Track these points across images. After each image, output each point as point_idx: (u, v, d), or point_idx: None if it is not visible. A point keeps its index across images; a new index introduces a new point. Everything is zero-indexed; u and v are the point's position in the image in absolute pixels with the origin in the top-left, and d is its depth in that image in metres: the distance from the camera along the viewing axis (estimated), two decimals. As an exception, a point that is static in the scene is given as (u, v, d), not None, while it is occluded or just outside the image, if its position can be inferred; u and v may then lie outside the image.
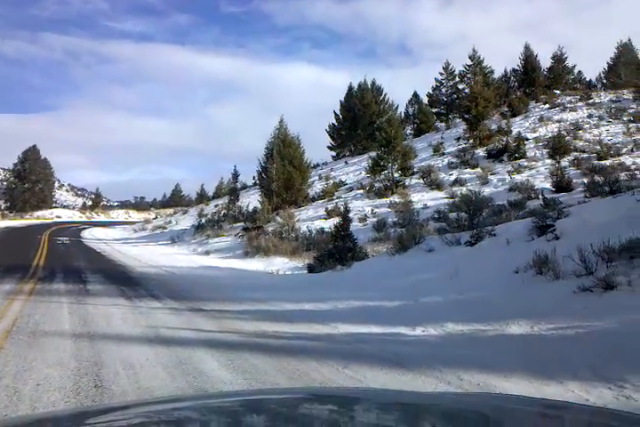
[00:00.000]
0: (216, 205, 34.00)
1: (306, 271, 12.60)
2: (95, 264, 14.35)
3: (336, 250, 12.59)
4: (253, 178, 33.66)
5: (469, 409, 1.63)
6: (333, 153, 46.21)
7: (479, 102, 26.24)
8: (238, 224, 23.76)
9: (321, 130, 46.48)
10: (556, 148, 20.71)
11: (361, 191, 23.74)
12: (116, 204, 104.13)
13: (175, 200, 68.28)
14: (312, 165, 32.77)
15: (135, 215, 62.93)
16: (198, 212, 30.59)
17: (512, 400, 1.97)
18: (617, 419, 1.58)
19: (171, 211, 46.70)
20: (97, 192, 79.38)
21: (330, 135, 45.95)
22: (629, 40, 39.66)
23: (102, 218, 60.67)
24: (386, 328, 6.07)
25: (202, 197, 46.83)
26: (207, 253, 18.88)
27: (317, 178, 31.38)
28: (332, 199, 23.78)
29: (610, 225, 7.57)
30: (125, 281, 10.73)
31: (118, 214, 65.84)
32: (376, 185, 22.89)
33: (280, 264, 14.44)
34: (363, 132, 41.23)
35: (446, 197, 20.48)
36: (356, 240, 13.28)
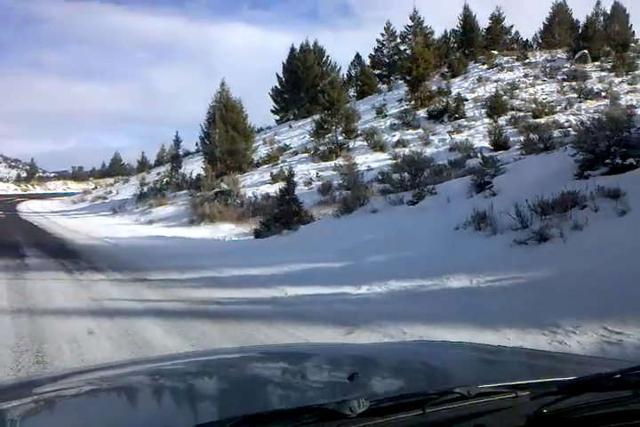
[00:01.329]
0: (158, 173, 33.11)
1: (252, 237, 12.56)
2: (33, 238, 13.82)
3: (282, 214, 12.58)
4: (196, 144, 32.89)
5: (419, 359, 1.67)
6: (277, 117, 45.58)
7: (420, 64, 26.29)
8: (182, 192, 23.31)
9: (264, 94, 45.61)
10: (494, 107, 21.14)
11: (306, 155, 23.63)
12: (53, 175, 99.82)
13: (115, 169, 66.04)
14: (256, 129, 32.26)
15: (74, 186, 60.73)
16: (140, 180, 29.74)
17: (459, 346, 2.04)
18: (561, 360, 1.66)
19: (111, 180, 45.24)
20: (32, 163, 75.89)
21: (273, 99, 45.15)
22: (564, 0, 40.40)
23: (39, 190, 58.24)
24: (332, 289, 6.16)
25: (143, 166, 45.40)
26: (151, 222, 18.50)
27: (262, 142, 30.96)
28: (277, 164, 23.59)
29: (544, 180, 7.86)
30: (65, 254, 10.40)
31: (56, 186, 63.38)
32: (320, 148, 22.82)
33: (227, 231, 14.33)
34: (306, 95, 40.68)
35: (389, 159, 20.69)
36: (302, 204, 13.29)
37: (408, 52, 39.53)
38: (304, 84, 41.46)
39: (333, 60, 44.83)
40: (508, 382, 1.02)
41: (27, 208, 30.04)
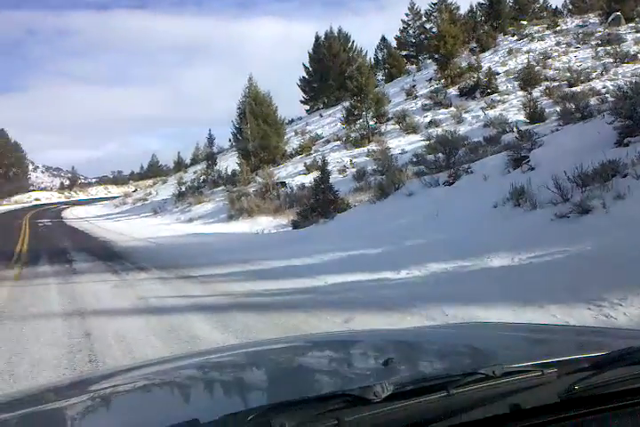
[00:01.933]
0: (194, 172, 33.64)
1: (291, 228, 12.64)
2: (79, 243, 14.26)
3: (318, 204, 12.60)
4: (229, 140, 33.19)
5: (457, 341, 1.65)
6: (307, 107, 45.52)
7: (447, 41, 25.74)
8: (219, 188, 23.60)
9: (293, 85, 45.59)
10: (527, 79, 20.54)
11: (338, 143, 23.55)
12: (94, 180, 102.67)
13: (153, 171, 67.36)
14: (286, 121, 32.32)
15: (115, 190, 62.29)
16: (177, 180, 30.27)
17: (498, 327, 2.00)
18: (599, 334, 1.62)
19: (150, 182, 46.19)
20: (72, 171, 78.21)
21: (302, 89, 45.08)
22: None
23: (82, 196, 60.00)
24: (372, 275, 6.15)
25: (179, 165, 46.18)
26: (191, 220, 18.83)
27: (293, 134, 31.01)
28: (310, 154, 23.60)
29: (583, 150, 7.61)
30: (111, 256, 10.70)
31: (97, 191, 65.15)
32: (352, 135, 22.69)
33: (265, 224, 14.46)
34: (334, 83, 40.45)
35: (423, 140, 20.42)
36: (338, 192, 13.28)
37: (434, 30, 38.89)
38: (332, 72, 41.25)
39: (359, 46, 44.41)
40: (544, 360, 1.00)
41: (71, 214, 31.01)
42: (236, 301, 5.78)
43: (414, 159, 17.79)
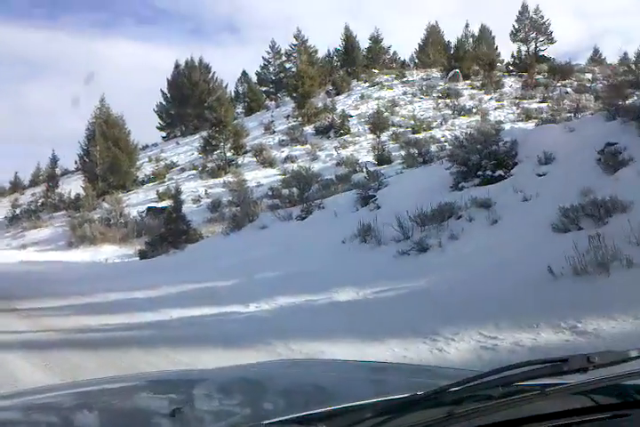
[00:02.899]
0: (33, 194, 30.82)
1: (137, 258, 11.99)
2: None
3: (169, 233, 12.16)
4: (75, 162, 31.03)
5: (294, 380, 1.62)
6: (164, 133, 44.29)
7: (305, 81, 26.84)
8: (59, 213, 21.82)
9: (150, 110, 44.18)
10: (377, 123, 21.98)
11: (194, 172, 23.12)
12: None
13: (-17, 191, 60.52)
14: (140, 146, 31.13)
15: None
16: (12, 202, 27.47)
17: (337, 364, 2.00)
18: (432, 375, 1.66)
19: (-22, 203, 41.37)
20: None
21: (158, 115, 43.87)
22: (436, 22, 43.29)
23: None
24: (220, 308, 5.98)
25: (16, 187, 42.12)
26: (24, 246, 17.10)
27: (147, 160, 29.87)
28: (164, 182, 22.85)
29: (424, 192, 8.24)
30: None
31: None
32: (209, 165, 22.44)
33: (109, 253, 13.58)
34: (193, 112, 39.98)
35: (279, 174, 20.83)
36: (190, 222, 12.95)
37: (293, 69, 40.39)
38: (191, 101, 40.71)
39: (220, 77, 44.50)
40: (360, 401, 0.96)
41: None
42: (67, 337, 5.26)
43: (270, 193, 18.11)
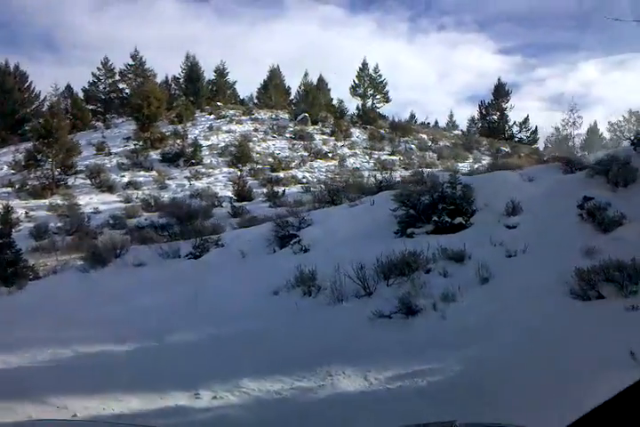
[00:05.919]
0: None
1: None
2: None
3: (-8, 266, 9.16)
4: None
5: None
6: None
7: (152, 102, 24.46)
8: None
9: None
10: (239, 157, 20.59)
11: (8, 190, 19.08)
12: None
13: None
14: None
15: None
16: None
17: None
18: None
19: None
20: None
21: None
22: (278, 66, 43.54)
23: None
24: (142, 401, 3.94)
25: None
26: None
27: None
28: (-36, 198, 18.45)
29: (360, 236, 7.02)
30: None
31: None
32: (30, 183, 18.73)
33: None
34: (3, 122, 34.35)
35: (120, 201, 18.09)
36: (21, 252, 10.02)
37: (128, 91, 37.38)
38: (5, 109, 35.16)
39: (38, 88, 39.57)
40: None
41: None
42: None
43: (112, 221, 15.52)
